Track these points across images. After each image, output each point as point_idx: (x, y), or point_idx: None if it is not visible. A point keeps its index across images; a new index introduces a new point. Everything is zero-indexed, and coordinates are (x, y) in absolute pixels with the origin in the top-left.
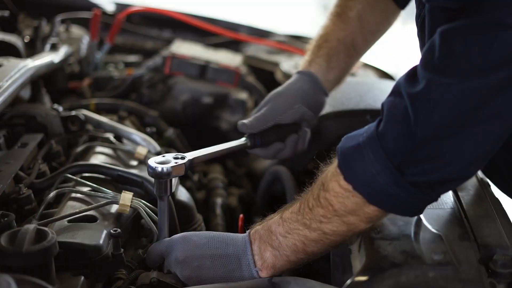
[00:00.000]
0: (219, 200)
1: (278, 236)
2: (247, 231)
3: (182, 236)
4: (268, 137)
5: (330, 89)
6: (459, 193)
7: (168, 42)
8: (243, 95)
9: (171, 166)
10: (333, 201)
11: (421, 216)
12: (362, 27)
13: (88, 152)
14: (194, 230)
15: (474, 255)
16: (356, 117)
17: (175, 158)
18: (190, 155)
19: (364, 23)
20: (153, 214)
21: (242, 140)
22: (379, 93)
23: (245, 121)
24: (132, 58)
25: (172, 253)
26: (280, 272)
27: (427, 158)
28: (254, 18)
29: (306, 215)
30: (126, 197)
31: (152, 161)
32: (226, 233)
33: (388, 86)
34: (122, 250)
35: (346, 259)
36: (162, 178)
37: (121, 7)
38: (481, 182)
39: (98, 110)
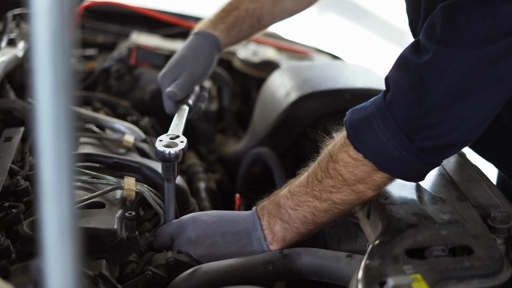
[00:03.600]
0: (202, 184)
1: (288, 209)
2: (253, 208)
3: (192, 217)
4: (194, 101)
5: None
6: None
7: (118, 35)
8: (206, 83)
9: (179, 149)
10: (342, 171)
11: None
12: (274, 4)
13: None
14: (191, 212)
15: (477, 214)
16: (336, 96)
17: (172, 138)
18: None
19: (278, 1)
20: (156, 197)
21: (186, 109)
22: (350, 74)
23: (173, 90)
24: (89, 51)
25: (183, 233)
26: (290, 244)
27: (435, 124)
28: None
29: (316, 187)
30: (130, 182)
31: (160, 145)
32: (233, 211)
33: (356, 68)
34: (136, 233)
35: (341, 231)
36: (170, 161)
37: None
38: None
39: None
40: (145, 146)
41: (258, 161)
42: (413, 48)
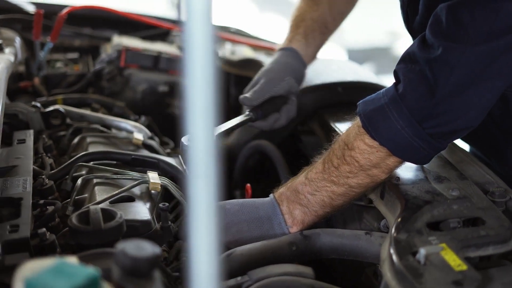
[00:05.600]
0: None
1: (306, 194)
2: (270, 195)
3: (217, 206)
4: (266, 109)
5: (308, 63)
6: None
7: (92, 38)
8: None
9: None
10: (358, 158)
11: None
12: (331, 8)
13: (82, 142)
14: None
15: (479, 190)
16: (329, 90)
17: None
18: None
19: (333, 4)
20: (177, 190)
21: (247, 114)
22: (337, 68)
23: (246, 95)
24: (72, 55)
25: None
26: (308, 227)
27: (444, 112)
28: None
29: (333, 173)
30: (154, 176)
31: (186, 140)
32: (252, 199)
33: (340, 63)
34: (170, 222)
35: (346, 213)
36: None
37: (40, 6)
38: None
39: (65, 105)
40: (153, 143)
41: (254, 153)
42: (420, 44)
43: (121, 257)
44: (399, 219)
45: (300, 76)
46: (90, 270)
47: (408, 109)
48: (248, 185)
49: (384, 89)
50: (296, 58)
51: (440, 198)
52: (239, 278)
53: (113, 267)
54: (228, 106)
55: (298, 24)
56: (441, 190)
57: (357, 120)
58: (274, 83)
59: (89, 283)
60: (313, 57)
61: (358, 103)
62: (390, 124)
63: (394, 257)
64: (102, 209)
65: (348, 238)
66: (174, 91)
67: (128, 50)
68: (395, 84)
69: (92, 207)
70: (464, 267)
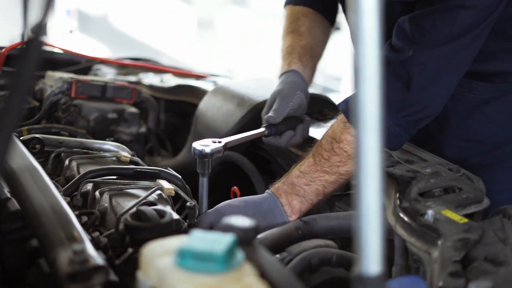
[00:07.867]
0: None
1: (302, 186)
2: (267, 191)
3: (226, 204)
4: (281, 127)
5: (308, 83)
6: None
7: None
8: (134, 109)
9: (214, 148)
10: (346, 148)
11: None
12: (313, 37)
13: (71, 165)
14: None
15: (441, 167)
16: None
17: (214, 142)
18: (224, 140)
19: (313, 34)
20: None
21: (261, 130)
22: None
23: (270, 114)
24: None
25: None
26: (304, 214)
27: (417, 102)
28: None
29: (324, 164)
30: (165, 183)
31: (197, 144)
32: (251, 196)
33: (273, 80)
34: (196, 220)
35: (319, 205)
36: (206, 158)
37: None
38: None
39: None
40: (139, 160)
41: (221, 164)
42: (390, 49)
43: (230, 229)
44: (397, 194)
45: (306, 92)
46: (228, 236)
47: (388, 102)
48: (235, 187)
49: None
50: (299, 77)
51: (419, 174)
52: (278, 256)
53: None
54: (160, 131)
55: (290, 51)
56: (417, 169)
57: (340, 117)
58: (288, 100)
59: (233, 245)
60: (310, 78)
61: (338, 104)
62: None
63: (407, 219)
64: (155, 210)
65: (343, 219)
66: (121, 118)
67: (78, 81)
68: None
69: (143, 207)
70: (465, 220)
